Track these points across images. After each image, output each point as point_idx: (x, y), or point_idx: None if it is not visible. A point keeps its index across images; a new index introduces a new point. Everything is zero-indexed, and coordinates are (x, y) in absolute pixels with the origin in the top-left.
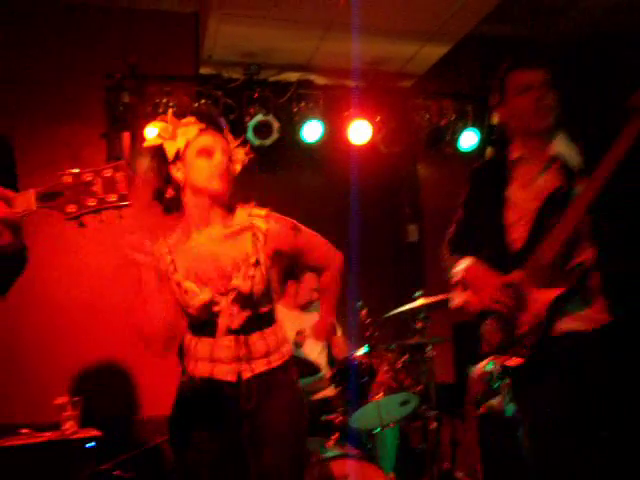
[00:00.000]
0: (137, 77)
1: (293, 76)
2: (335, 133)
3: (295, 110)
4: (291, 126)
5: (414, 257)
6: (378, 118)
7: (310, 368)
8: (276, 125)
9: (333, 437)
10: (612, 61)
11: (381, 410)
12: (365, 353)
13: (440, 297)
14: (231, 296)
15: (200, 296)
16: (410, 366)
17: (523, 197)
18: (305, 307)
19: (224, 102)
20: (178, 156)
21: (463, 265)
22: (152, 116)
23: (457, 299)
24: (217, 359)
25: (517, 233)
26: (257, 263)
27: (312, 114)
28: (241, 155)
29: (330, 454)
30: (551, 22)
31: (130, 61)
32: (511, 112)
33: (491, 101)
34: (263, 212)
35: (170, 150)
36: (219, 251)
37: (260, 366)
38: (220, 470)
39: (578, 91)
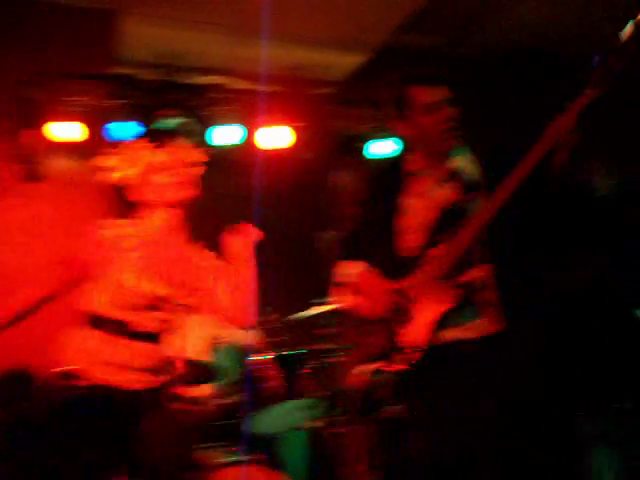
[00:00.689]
0: (49, 74)
1: (210, 79)
2: (251, 138)
3: (211, 114)
4: (207, 130)
5: (329, 263)
6: (296, 124)
7: (220, 373)
8: (194, 128)
9: (237, 442)
10: (525, 77)
11: (286, 415)
12: (272, 358)
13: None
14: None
15: (162, 290)
16: (318, 371)
17: (419, 207)
18: None
19: (138, 103)
20: (141, 181)
21: (355, 270)
22: (63, 114)
23: (346, 302)
24: (131, 366)
25: (410, 241)
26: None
27: (228, 118)
28: (198, 156)
29: (232, 459)
30: (470, 35)
31: (42, 58)
32: (415, 130)
33: (388, 113)
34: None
35: (131, 178)
36: (180, 262)
37: (162, 378)
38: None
39: (484, 106)
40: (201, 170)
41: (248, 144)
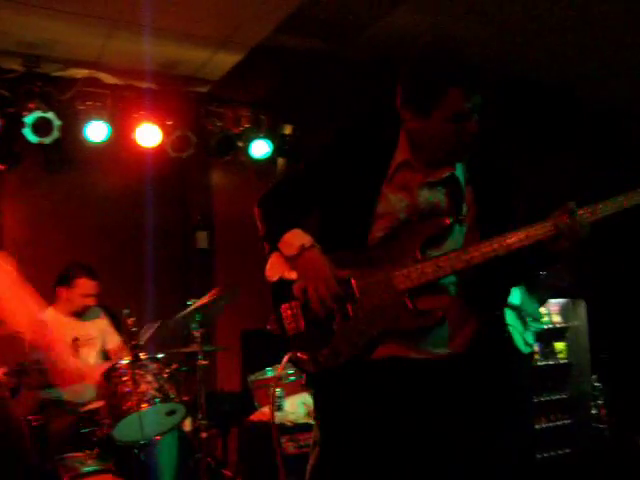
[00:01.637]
0: None
1: (79, 73)
2: (123, 135)
3: (80, 108)
4: (75, 125)
5: (204, 264)
6: (168, 122)
7: (80, 377)
8: (57, 123)
9: (94, 451)
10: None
11: (144, 422)
12: (129, 363)
13: (204, 300)
14: None
15: None
16: (182, 375)
17: (397, 198)
18: (80, 314)
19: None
20: None
21: (300, 241)
22: None
23: (277, 273)
24: None
25: (376, 232)
26: None
27: (98, 114)
28: None
29: (87, 470)
30: (348, 38)
31: None
32: (428, 131)
33: (404, 98)
34: None
35: None
36: None
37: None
38: None
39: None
40: None
41: (117, 142)
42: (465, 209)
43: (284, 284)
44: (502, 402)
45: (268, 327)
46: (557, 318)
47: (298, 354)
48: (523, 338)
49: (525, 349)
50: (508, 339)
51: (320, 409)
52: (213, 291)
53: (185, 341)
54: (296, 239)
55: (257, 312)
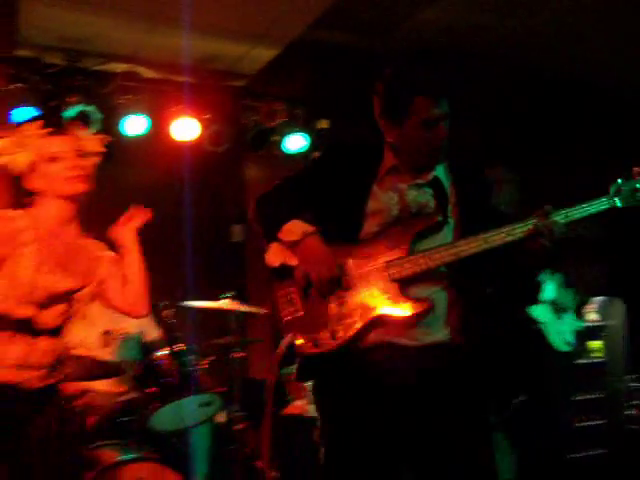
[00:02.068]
0: None
1: (118, 67)
2: (160, 129)
3: (119, 102)
4: (114, 119)
5: (237, 257)
6: (206, 116)
7: (115, 369)
8: (97, 116)
9: (133, 439)
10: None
11: (182, 411)
12: (168, 354)
13: (252, 309)
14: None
15: (63, 284)
16: (217, 366)
17: (388, 199)
18: None
19: (42, 88)
20: (31, 168)
21: (302, 228)
22: None
23: (278, 259)
24: (31, 364)
25: (368, 228)
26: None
27: (137, 107)
28: (95, 146)
29: (127, 457)
30: (383, 34)
31: None
32: (404, 139)
33: (379, 110)
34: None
35: (20, 164)
36: (76, 252)
37: (56, 376)
38: None
39: None
40: (97, 162)
41: (154, 135)
42: (450, 208)
43: (281, 271)
44: (490, 391)
45: (263, 312)
46: (593, 316)
47: (297, 336)
48: (562, 336)
49: (563, 347)
50: (539, 335)
51: (318, 403)
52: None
53: (220, 333)
54: (297, 227)
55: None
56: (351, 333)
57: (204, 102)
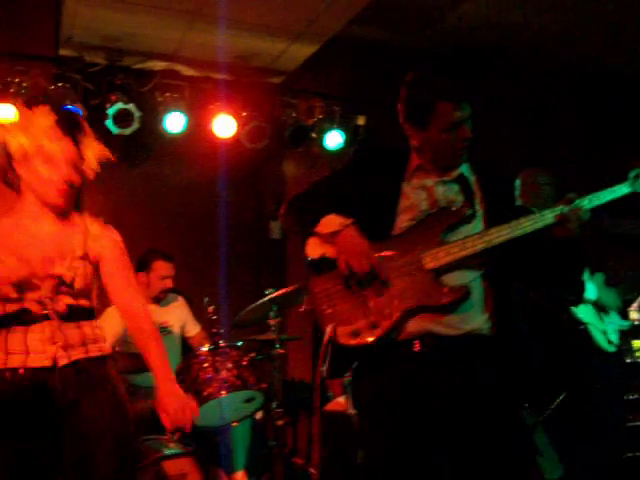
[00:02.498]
0: None
1: (158, 65)
2: (199, 126)
3: (158, 100)
4: (153, 116)
5: (277, 254)
6: (244, 113)
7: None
8: (137, 114)
9: (175, 435)
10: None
11: (223, 408)
12: (209, 350)
13: (281, 291)
14: (51, 282)
15: (19, 270)
16: (258, 363)
17: (416, 195)
18: (158, 299)
19: (84, 87)
20: (24, 156)
21: (341, 220)
22: (1, 95)
23: (318, 251)
24: (31, 348)
25: (400, 224)
26: (83, 258)
27: (176, 105)
28: (96, 152)
29: (169, 452)
30: (420, 31)
31: None
32: (429, 142)
33: (403, 115)
34: (96, 221)
35: (16, 148)
36: (46, 236)
37: (77, 353)
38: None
39: None
40: (92, 171)
41: (193, 133)
42: (477, 202)
43: (319, 265)
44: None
45: (303, 309)
46: (636, 315)
47: (337, 327)
48: (605, 336)
49: (609, 347)
50: (583, 335)
51: (357, 397)
52: (293, 285)
53: (260, 329)
54: (335, 219)
55: None
56: (390, 322)
57: (242, 99)
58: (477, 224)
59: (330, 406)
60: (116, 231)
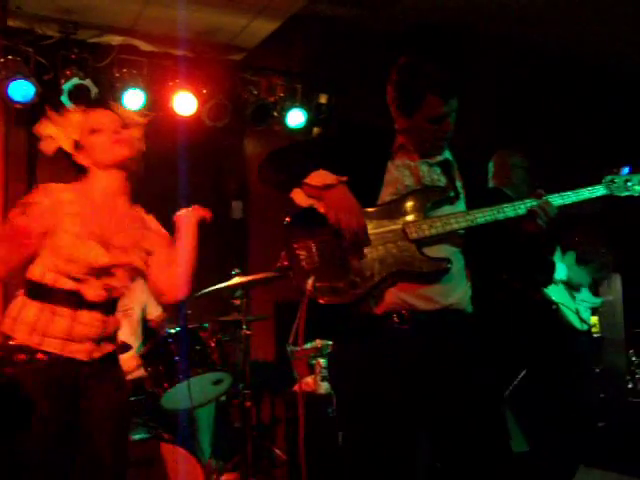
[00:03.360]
0: None
1: (115, 39)
2: (158, 103)
3: (116, 76)
4: (111, 92)
5: (238, 234)
6: (204, 90)
7: (122, 347)
8: (94, 90)
9: (143, 419)
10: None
11: (192, 390)
12: (177, 332)
13: (255, 277)
14: (125, 272)
15: (102, 258)
16: (225, 344)
17: (400, 171)
18: None
19: (36, 60)
20: (77, 146)
21: (334, 176)
22: None
23: (307, 201)
24: (73, 338)
25: (384, 197)
26: (148, 253)
27: (134, 81)
28: (135, 117)
29: (139, 436)
30: (382, 8)
31: None
32: (411, 128)
33: (391, 98)
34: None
35: (67, 146)
36: (120, 228)
37: (107, 348)
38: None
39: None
40: (140, 133)
41: (152, 110)
42: (460, 185)
43: (300, 221)
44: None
45: (278, 265)
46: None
47: (317, 283)
48: (577, 315)
49: (581, 326)
50: (557, 315)
51: (334, 373)
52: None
53: (223, 310)
54: (329, 174)
55: (290, 284)
56: (370, 284)
57: (203, 76)
58: (459, 206)
59: (298, 386)
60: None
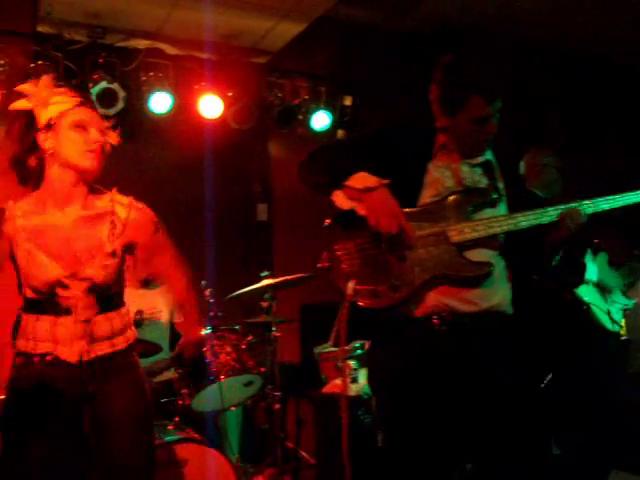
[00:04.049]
0: None
1: (142, 43)
2: (185, 106)
3: (143, 79)
4: (138, 96)
5: (263, 236)
6: (230, 93)
7: (151, 348)
8: (122, 94)
9: (175, 420)
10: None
11: (224, 392)
12: (208, 334)
13: (286, 278)
14: (84, 285)
15: (51, 272)
16: (254, 346)
17: (440, 172)
18: (147, 283)
19: (65, 65)
20: (49, 125)
21: (375, 178)
22: None
23: (347, 204)
24: (59, 339)
25: (424, 199)
26: (113, 254)
27: (161, 85)
28: (113, 134)
29: (170, 438)
30: (406, 12)
31: None
32: (455, 129)
33: (435, 97)
34: (126, 200)
35: (42, 117)
36: (75, 235)
37: (103, 348)
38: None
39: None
40: (110, 147)
41: (178, 113)
42: (502, 187)
43: (341, 223)
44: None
45: (319, 266)
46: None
47: (358, 285)
48: (609, 316)
49: (612, 327)
50: (588, 316)
51: (374, 375)
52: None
53: (250, 312)
54: (370, 176)
55: (315, 286)
56: (411, 288)
57: (228, 79)
58: (500, 209)
59: (327, 389)
60: (147, 207)
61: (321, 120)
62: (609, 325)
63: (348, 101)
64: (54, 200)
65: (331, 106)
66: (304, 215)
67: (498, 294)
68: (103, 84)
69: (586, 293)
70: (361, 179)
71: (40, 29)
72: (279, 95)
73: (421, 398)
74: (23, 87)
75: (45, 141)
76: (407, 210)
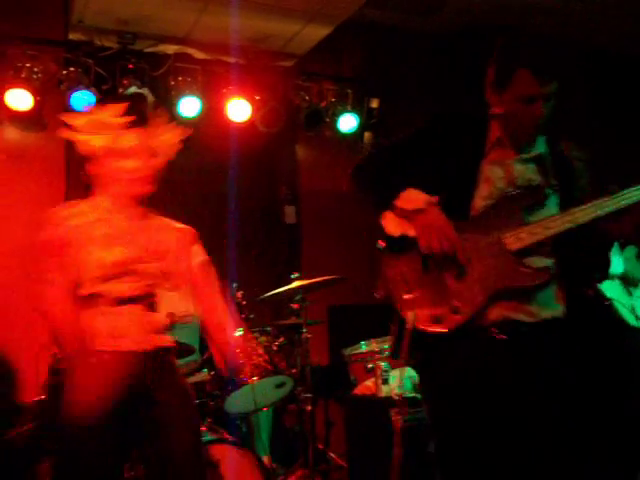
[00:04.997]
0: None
1: (170, 48)
2: (213, 110)
3: (172, 84)
4: (167, 100)
5: (291, 239)
6: (257, 97)
7: (184, 350)
8: (151, 99)
9: (207, 422)
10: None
11: (256, 393)
12: (239, 335)
13: (317, 279)
14: (148, 276)
15: (119, 254)
16: (285, 348)
17: (492, 171)
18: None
19: (95, 71)
20: (103, 154)
21: (424, 197)
22: (13, 81)
23: (398, 229)
24: (119, 332)
25: (477, 201)
26: (174, 254)
27: (189, 89)
28: (170, 141)
29: (205, 439)
30: (432, 14)
31: None
32: (505, 111)
33: (489, 79)
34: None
35: (85, 149)
36: (141, 232)
37: (160, 341)
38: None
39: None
40: (170, 158)
41: (207, 117)
42: (554, 182)
43: (392, 246)
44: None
45: (376, 295)
46: None
47: (419, 311)
48: (632, 311)
49: (637, 322)
50: (611, 310)
51: (428, 383)
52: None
53: (279, 314)
54: (419, 195)
55: (342, 287)
56: (473, 308)
57: (256, 83)
58: (553, 205)
59: (358, 390)
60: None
61: (348, 122)
62: (633, 320)
63: (375, 103)
64: (112, 204)
65: (358, 108)
66: (331, 217)
67: (557, 302)
68: (133, 89)
69: (609, 288)
70: (410, 199)
71: (72, 37)
72: (306, 98)
73: (482, 410)
74: (67, 117)
75: (91, 170)
76: (458, 223)
